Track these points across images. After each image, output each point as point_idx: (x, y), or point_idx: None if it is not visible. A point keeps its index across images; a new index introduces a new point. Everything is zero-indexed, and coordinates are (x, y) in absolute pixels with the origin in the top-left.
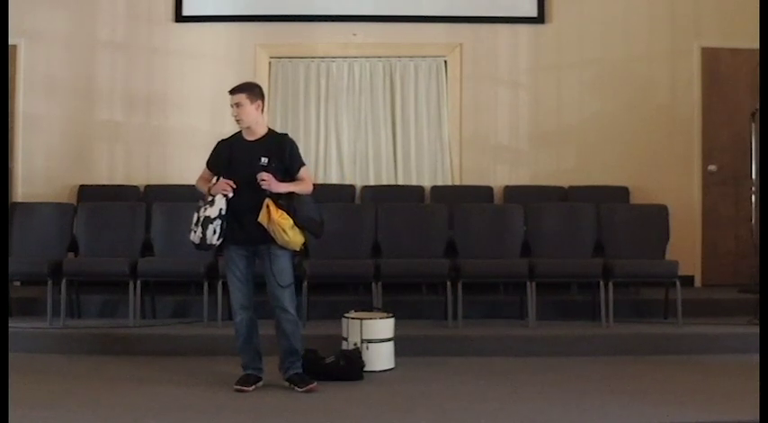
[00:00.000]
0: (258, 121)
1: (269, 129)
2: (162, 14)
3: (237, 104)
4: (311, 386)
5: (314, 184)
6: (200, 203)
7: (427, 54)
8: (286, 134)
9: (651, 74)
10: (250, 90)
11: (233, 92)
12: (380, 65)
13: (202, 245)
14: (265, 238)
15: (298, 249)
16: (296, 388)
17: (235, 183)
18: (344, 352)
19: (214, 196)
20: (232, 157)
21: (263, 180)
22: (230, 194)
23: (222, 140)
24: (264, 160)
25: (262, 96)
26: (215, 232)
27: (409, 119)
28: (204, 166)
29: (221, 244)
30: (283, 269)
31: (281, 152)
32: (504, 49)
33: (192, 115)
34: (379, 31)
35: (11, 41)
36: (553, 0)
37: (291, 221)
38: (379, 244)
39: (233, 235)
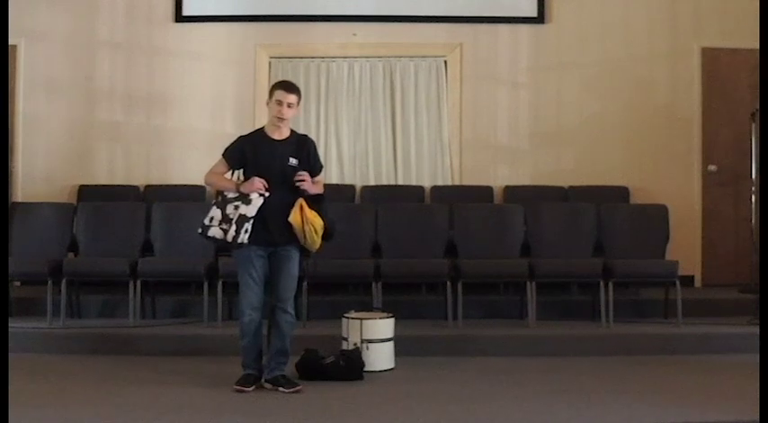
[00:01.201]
0: (289, 123)
1: (291, 129)
2: (162, 14)
3: (290, 104)
4: (298, 388)
5: None
6: (220, 199)
7: (427, 54)
8: (307, 135)
9: (651, 74)
10: (300, 94)
11: (290, 90)
12: (380, 65)
13: (233, 243)
14: (288, 239)
15: (314, 251)
16: (280, 389)
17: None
18: (344, 352)
19: (248, 194)
20: (258, 155)
21: (302, 180)
22: (267, 194)
23: (243, 137)
24: (294, 161)
25: None
26: (247, 231)
27: (409, 119)
28: (208, 162)
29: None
30: (296, 271)
31: (305, 153)
32: (504, 49)
33: (192, 115)
34: (379, 31)
35: (11, 41)
36: (553, 0)
37: (322, 223)
38: (379, 244)
39: (256, 235)
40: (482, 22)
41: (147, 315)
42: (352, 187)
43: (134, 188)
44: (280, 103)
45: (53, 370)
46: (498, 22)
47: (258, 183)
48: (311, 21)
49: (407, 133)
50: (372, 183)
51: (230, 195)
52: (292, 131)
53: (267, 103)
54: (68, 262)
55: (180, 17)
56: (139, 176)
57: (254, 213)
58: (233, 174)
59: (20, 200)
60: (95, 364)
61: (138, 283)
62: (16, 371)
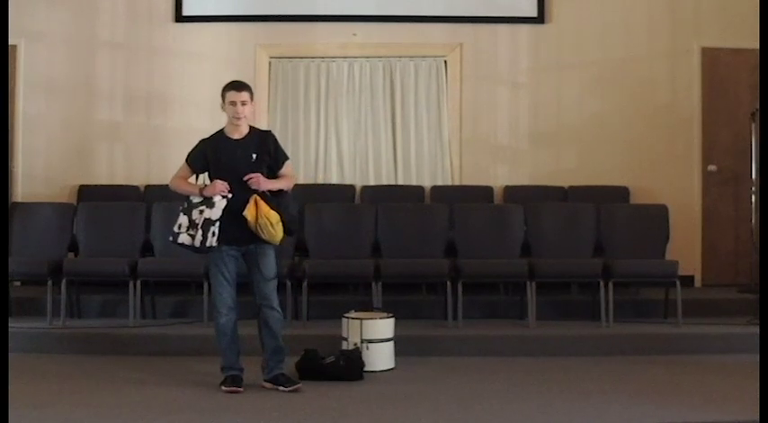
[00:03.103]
0: (248, 121)
1: (250, 126)
2: (162, 14)
3: (243, 102)
4: (298, 386)
5: (314, 185)
6: (186, 205)
7: (427, 54)
8: (269, 130)
9: (651, 74)
10: (251, 89)
11: (240, 88)
12: (380, 65)
13: (202, 248)
14: (258, 236)
15: (278, 244)
16: (280, 388)
17: (227, 182)
18: (344, 352)
19: (211, 197)
20: (220, 157)
21: (253, 179)
22: (230, 195)
23: (204, 140)
24: (255, 156)
25: None
26: (214, 234)
27: (409, 119)
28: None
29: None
30: (273, 267)
31: (266, 148)
32: (504, 49)
33: (192, 115)
34: (379, 31)
35: (11, 41)
36: (553, 0)
37: (279, 217)
38: (379, 244)
39: (226, 235)
40: (482, 22)
41: (147, 315)
42: (352, 187)
43: (134, 188)
44: (234, 103)
45: (53, 370)
46: (498, 22)
47: (220, 185)
48: (311, 21)
49: (407, 133)
50: (372, 183)
51: (195, 200)
52: (252, 128)
53: (221, 107)
54: (68, 262)
55: (180, 17)
56: (139, 176)
57: (218, 216)
58: (197, 178)
59: (20, 200)
60: (96, 364)
61: (138, 283)
62: (16, 371)
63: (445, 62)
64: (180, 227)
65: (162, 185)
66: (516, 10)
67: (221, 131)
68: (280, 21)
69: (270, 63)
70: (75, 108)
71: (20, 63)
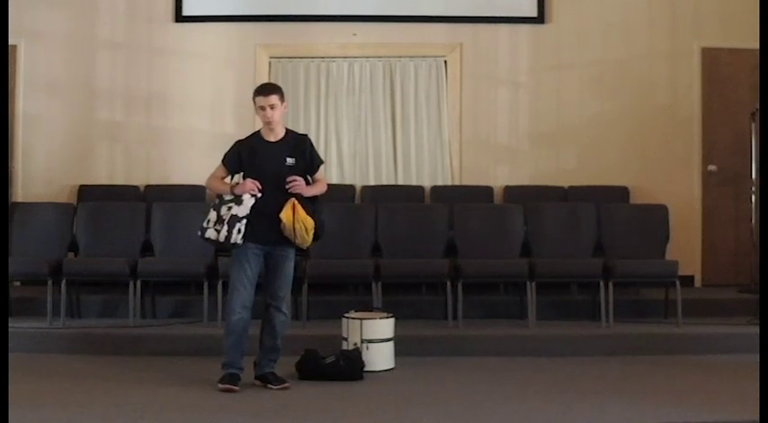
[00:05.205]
0: (282, 122)
1: (287, 129)
2: (162, 14)
3: (272, 106)
4: (286, 385)
5: None
6: (217, 202)
7: (427, 54)
8: (306, 134)
9: (651, 74)
10: (280, 91)
11: (267, 93)
12: (380, 65)
13: (226, 243)
14: (286, 238)
15: (305, 249)
16: (269, 386)
17: (260, 183)
18: (344, 352)
19: (240, 195)
20: (255, 158)
21: (294, 183)
22: (259, 194)
23: (240, 141)
24: (291, 161)
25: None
26: (239, 231)
27: (409, 119)
28: (213, 165)
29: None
30: (292, 271)
31: (302, 152)
32: (504, 49)
33: (192, 115)
34: (379, 31)
35: (11, 41)
36: (553, 0)
37: (313, 223)
38: (379, 244)
39: (254, 234)
40: (482, 22)
41: (147, 315)
42: (352, 187)
43: (134, 188)
44: (262, 108)
45: (53, 370)
46: (498, 22)
47: (250, 184)
48: (311, 21)
49: (407, 133)
50: (372, 183)
51: (226, 197)
52: (288, 131)
53: (255, 111)
54: (68, 262)
55: (180, 17)
56: (139, 176)
57: (245, 213)
58: (232, 178)
59: (20, 200)
60: (95, 364)
61: (138, 283)
62: (16, 371)
63: (445, 62)
64: (208, 222)
65: (162, 185)
66: (516, 10)
67: (258, 133)
68: (280, 21)
69: (270, 63)
70: (75, 108)
71: (20, 63)
